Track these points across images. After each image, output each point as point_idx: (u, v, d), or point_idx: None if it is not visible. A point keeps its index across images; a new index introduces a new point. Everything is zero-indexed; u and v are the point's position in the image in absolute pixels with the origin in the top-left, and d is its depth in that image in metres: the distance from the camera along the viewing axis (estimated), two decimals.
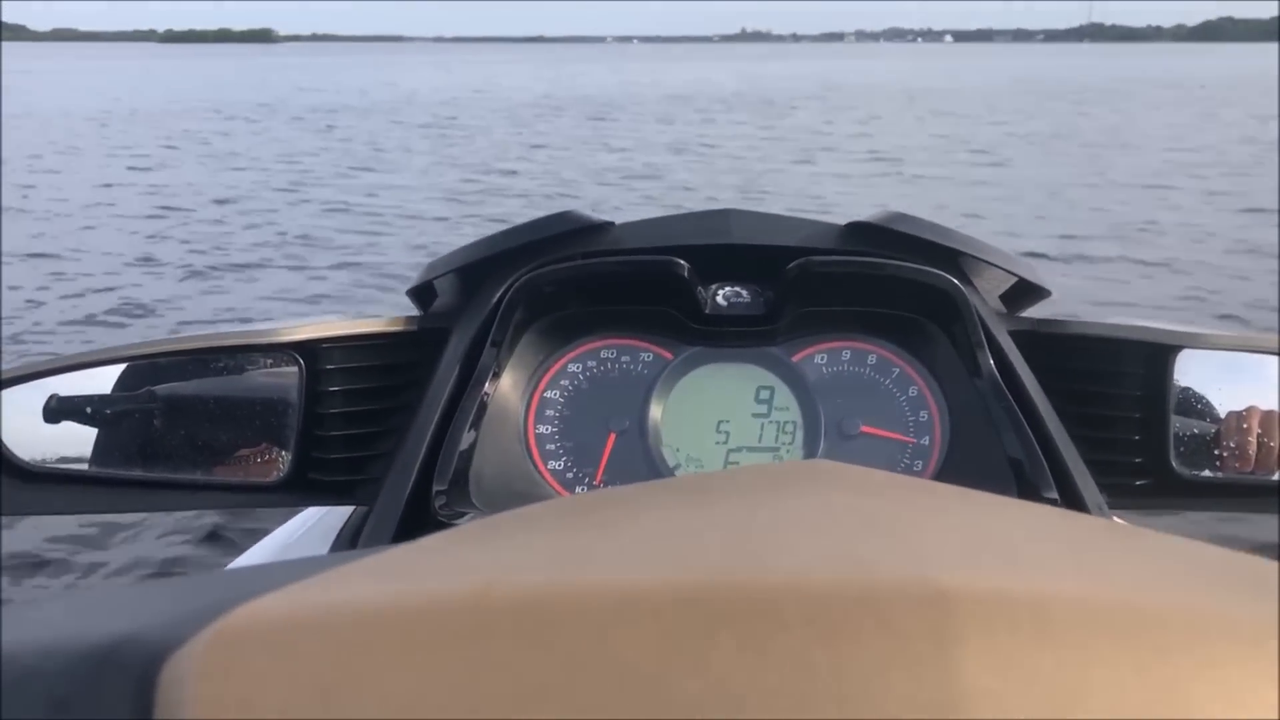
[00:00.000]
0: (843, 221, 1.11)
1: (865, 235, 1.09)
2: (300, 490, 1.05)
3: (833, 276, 1.04)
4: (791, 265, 1.02)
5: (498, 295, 1.05)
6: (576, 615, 0.27)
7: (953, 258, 1.07)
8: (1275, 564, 0.33)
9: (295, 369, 1.02)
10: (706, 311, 1.06)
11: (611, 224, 1.10)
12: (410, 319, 1.11)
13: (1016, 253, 1.11)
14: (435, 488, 0.97)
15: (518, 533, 0.36)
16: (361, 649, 0.27)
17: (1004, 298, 1.13)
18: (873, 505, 0.37)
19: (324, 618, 0.29)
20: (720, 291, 1.07)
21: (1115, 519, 1.04)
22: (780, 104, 30.59)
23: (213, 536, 3.92)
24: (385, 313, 1.12)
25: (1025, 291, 1.12)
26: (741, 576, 0.28)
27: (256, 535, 1.52)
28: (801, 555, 0.30)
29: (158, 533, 3.98)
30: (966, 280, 1.07)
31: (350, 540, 1.14)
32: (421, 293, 1.13)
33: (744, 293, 1.07)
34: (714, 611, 0.27)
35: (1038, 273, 1.11)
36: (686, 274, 1.02)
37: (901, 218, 1.08)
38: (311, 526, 1.33)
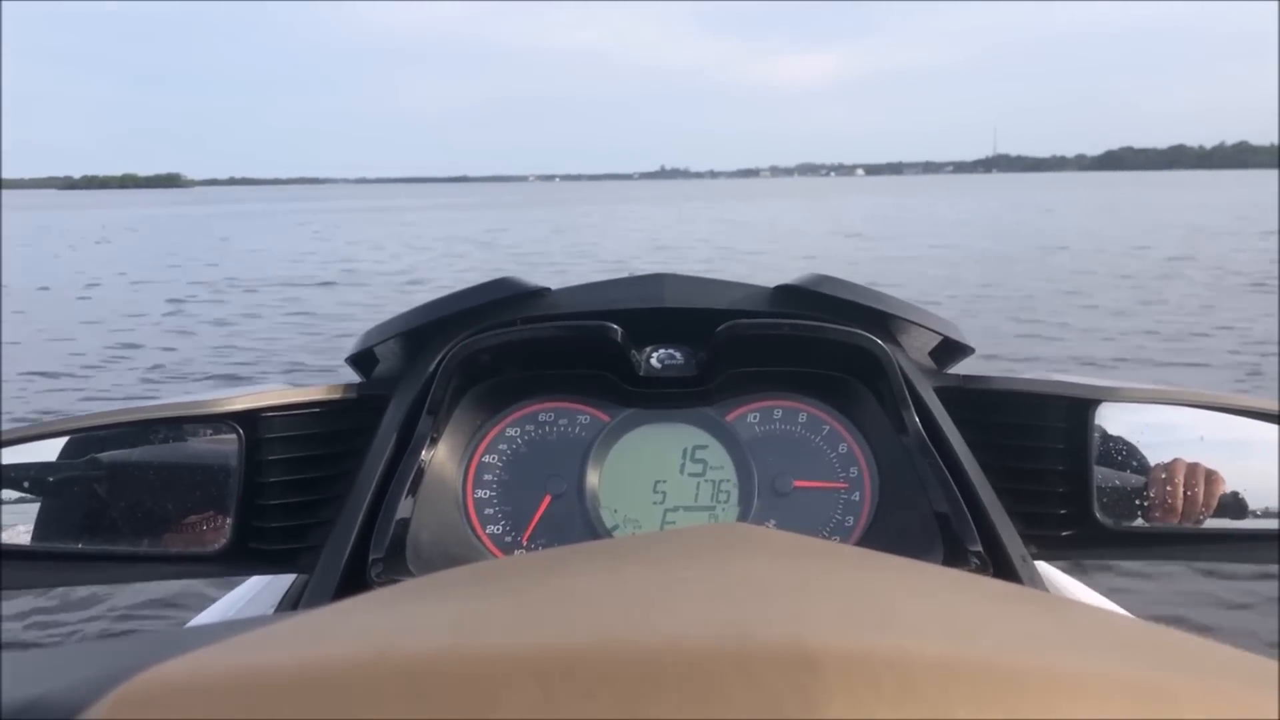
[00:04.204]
0: (772, 285, 1.14)
1: (793, 298, 1.12)
2: (241, 560, 1.04)
3: (762, 338, 1.07)
4: (721, 328, 1.05)
5: (435, 362, 1.06)
6: (463, 679, 0.27)
7: (878, 318, 1.11)
8: (1146, 625, 0.35)
9: (235, 438, 1.03)
10: (641, 374, 1.08)
11: (548, 290, 1.12)
12: (349, 386, 1.12)
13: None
14: (372, 555, 0.98)
15: (423, 598, 0.36)
16: (260, 713, 0.27)
17: (932, 355, 1.17)
18: (769, 569, 0.38)
19: (225, 682, 0.29)
20: (654, 354, 1.10)
21: (1039, 568, 1.06)
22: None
23: None
24: (325, 381, 1.13)
25: (951, 349, 1.16)
26: (621, 640, 0.29)
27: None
28: (686, 619, 0.31)
29: None
30: (892, 339, 1.10)
31: (290, 608, 1.12)
32: (361, 360, 1.14)
33: (677, 355, 1.10)
34: (592, 674, 0.27)
35: (961, 331, 1.14)
36: (620, 338, 1.04)
37: (828, 280, 1.11)
38: (257, 594, 1.31)
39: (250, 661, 0.30)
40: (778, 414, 1.10)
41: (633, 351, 1.07)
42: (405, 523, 1.01)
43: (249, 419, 1.03)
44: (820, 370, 1.10)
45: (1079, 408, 1.07)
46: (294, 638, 0.32)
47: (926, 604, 0.36)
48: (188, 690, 0.29)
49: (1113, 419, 1.07)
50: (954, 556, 0.99)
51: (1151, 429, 1.08)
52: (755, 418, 1.10)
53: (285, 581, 1.23)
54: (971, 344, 1.15)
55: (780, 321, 1.08)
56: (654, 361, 1.10)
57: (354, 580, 0.98)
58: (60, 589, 4.10)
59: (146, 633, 0.38)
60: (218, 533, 1.03)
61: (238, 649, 0.32)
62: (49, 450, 1.02)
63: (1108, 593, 1.37)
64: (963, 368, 1.20)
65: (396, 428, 1.05)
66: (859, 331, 1.06)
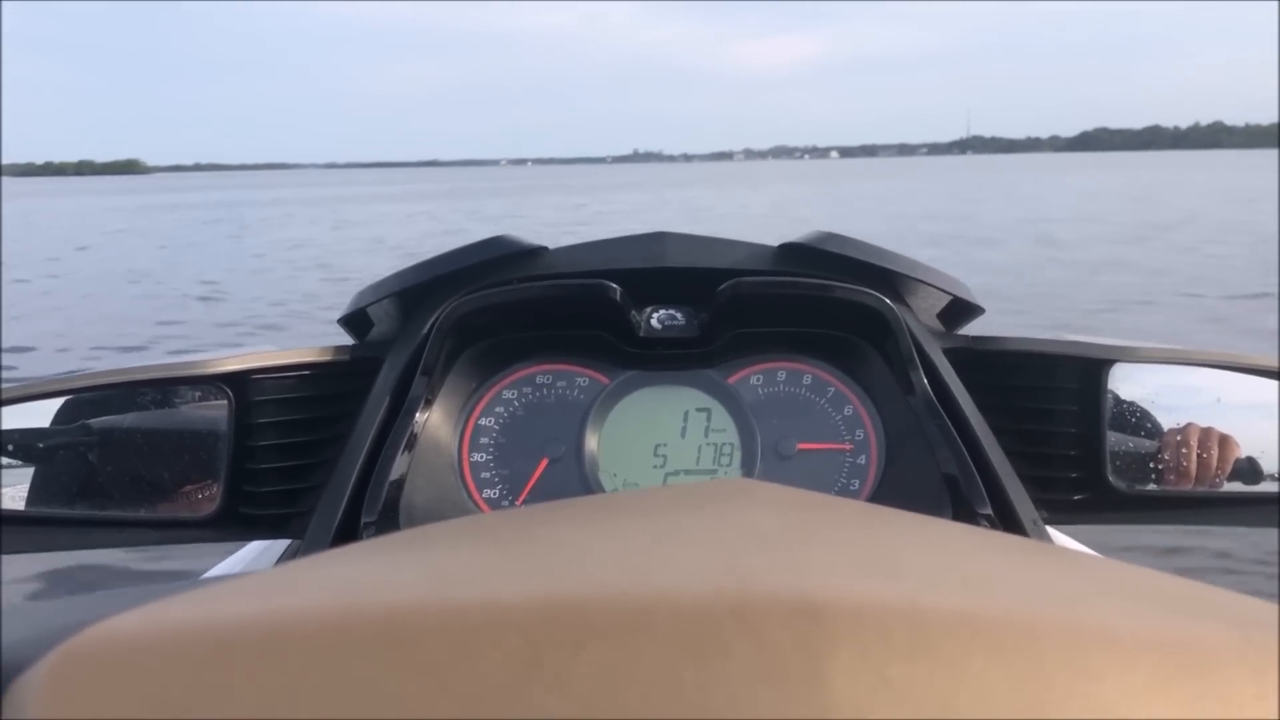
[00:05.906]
0: (777, 243, 1.12)
1: (798, 256, 1.09)
2: (232, 525, 1.02)
3: (766, 297, 1.04)
4: (724, 287, 1.02)
5: (429, 323, 1.04)
6: (440, 632, 0.26)
7: (886, 277, 1.08)
8: (1160, 575, 0.33)
9: (225, 402, 1.00)
10: (641, 335, 1.06)
11: (545, 249, 1.09)
12: (342, 348, 1.09)
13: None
14: (364, 519, 0.95)
15: (403, 551, 0.35)
16: (216, 668, 0.26)
17: (941, 316, 1.14)
18: (773, 521, 0.36)
19: (177, 638, 0.27)
20: (655, 315, 1.07)
21: (1050, 533, 1.04)
22: None
23: None
24: (317, 342, 1.10)
25: (960, 309, 1.13)
26: (611, 590, 0.28)
27: None
28: (681, 569, 0.30)
29: None
30: (900, 299, 1.07)
31: None
32: (354, 321, 1.11)
33: (678, 315, 1.07)
34: (581, 625, 0.26)
35: (971, 291, 1.11)
36: (619, 297, 1.02)
37: (834, 238, 1.08)
38: (252, 560, 1.29)
39: (205, 615, 0.29)
40: (781, 375, 1.08)
41: (633, 312, 1.05)
42: (399, 486, 0.99)
43: (239, 381, 1.01)
44: (826, 331, 1.08)
45: (1092, 368, 1.05)
46: (257, 591, 0.31)
47: (937, 557, 0.34)
48: (135, 645, 0.27)
49: (1126, 381, 1.05)
50: (963, 519, 0.96)
51: (1166, 391, 1.06)
52: (758, 379, 1.08)
53: (280, 548, 1.21)
54: (981, 304, 1.12)
55: (785, 280, 1.05)
56: (654, 322, 1.07)
57: (346, 544, 0.95)
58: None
59: (98, 593, 0.39)
60: (209, 498, 1.01)
61: (194, 603, 0.30)
62: (40, 416, 1.00)
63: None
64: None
65: (390, 390, 1.03)
66: (866, 291, 1.03)
